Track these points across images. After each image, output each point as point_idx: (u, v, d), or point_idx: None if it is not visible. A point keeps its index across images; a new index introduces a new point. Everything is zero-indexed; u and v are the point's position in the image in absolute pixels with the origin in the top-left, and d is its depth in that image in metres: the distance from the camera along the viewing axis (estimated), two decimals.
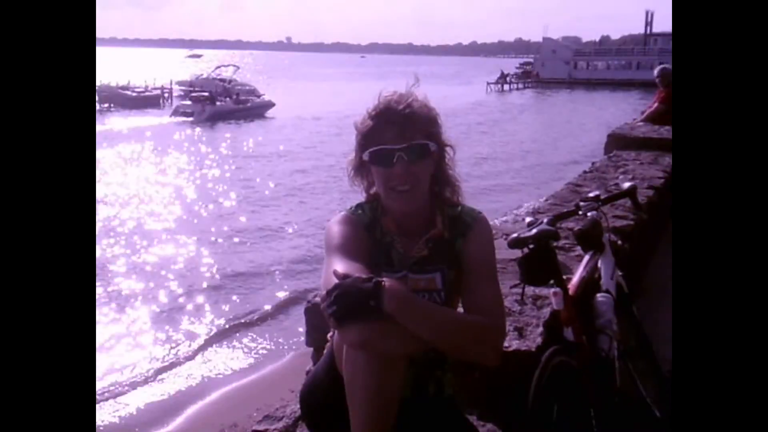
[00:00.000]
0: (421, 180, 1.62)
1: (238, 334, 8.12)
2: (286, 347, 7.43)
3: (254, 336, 8.02)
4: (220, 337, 8.14)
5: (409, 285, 1.64)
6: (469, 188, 1.80)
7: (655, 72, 8.37)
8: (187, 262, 11.04)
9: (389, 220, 1.69)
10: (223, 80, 38.31)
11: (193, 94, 32.72)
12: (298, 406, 1.87)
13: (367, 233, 1.68)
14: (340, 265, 1.49)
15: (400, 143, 1.57)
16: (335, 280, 1.42)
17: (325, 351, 1.77)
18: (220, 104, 31.81)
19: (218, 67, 41.78)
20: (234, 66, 41.78)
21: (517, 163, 19.78)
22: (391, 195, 1.63)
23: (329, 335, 1.79)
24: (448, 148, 1.70)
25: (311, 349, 2.65)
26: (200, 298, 9.46)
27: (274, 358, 7.22)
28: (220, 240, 12.46)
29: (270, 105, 34.08)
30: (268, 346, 7.64)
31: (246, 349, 7.66)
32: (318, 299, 2.50)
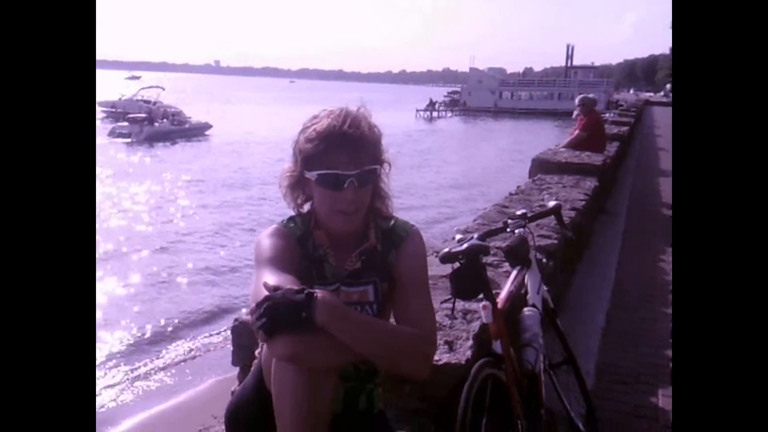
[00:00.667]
0: (366, 203, 1.63)
1: (153, 358, 7.76)
2: (207, 371, 7.13)
3: (171, 359, 7.66)
4: (129, 359, 7.72)
5: (342, 298, 1.63)
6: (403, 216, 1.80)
7: (576, 101, 8.81)
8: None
9: (322, 234, 1.67)
10: (147, 102, 37.64)
11: (130, 116, 32.33)
12: (223, 427, 1.80)
13: (298, 246, 1.66)
14: (271, 278, 1.46)
15: (352, 169, 1.55)
16: (265, 293, 1.38)
17: (252, 368, 1.73)
18: (158, 125, 31.74)
19: (142, 88, 40.71)
20: (159, 87, 40.91)
21: (446, 188, 20.11)
22: (335, 217, 1.62)
23: (257, 351, 1.75)
24: (386, 165, 1.69)
25: (235, 372, 2.58)
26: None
27: (195, 382, 6.90)
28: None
29: (207, 127, 34.05)
30: (188, 370, 7.30)
31: (164, 374, 7.29)
32: (246, 317, 2.44)
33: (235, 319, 2.41)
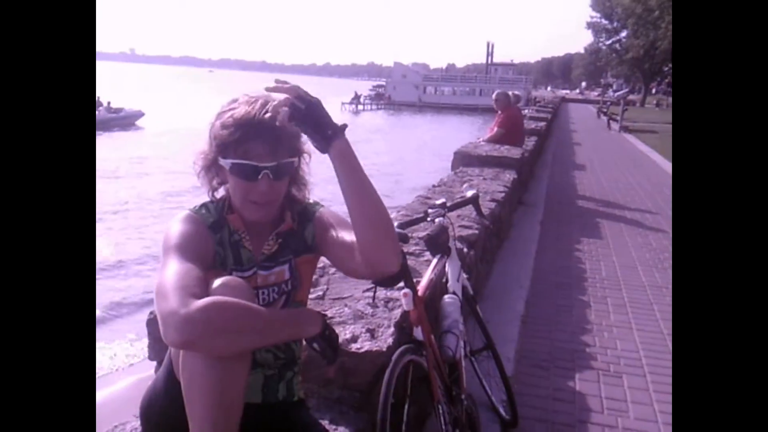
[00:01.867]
0: (281, 194, 1.60)
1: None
2: (122, 367, 6.81)
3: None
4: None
5: (259, 281, 1.62)
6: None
7: (493, 96, 9.04)
8: None
9: (236, 218, 1.63)
10: None
11: None
12: (139, 422, 1.73)
13: (211, 232, 1.60)
14: (174, 267, 1.38)
15: (268, 161, 1.52)
16: (170, 281, 1.32)
17: (164, 360, 1.66)
18: (98, 113, 30.66)
19: None
20: None
21: (375, 182, 20.18)
22: (248, 207, 1.58)
23: None
24: (305, 155, 1.66)
25: (152, 368, 2.48)
26: None
27: (110, 380, 6.58)
28: None
29: (140, 115, 33.70)
30: (101, 367, 6.94)
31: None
32: None
33: (151, 312, 2.32)
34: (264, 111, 1.49)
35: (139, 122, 33.59)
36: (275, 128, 1.48)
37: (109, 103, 32.75)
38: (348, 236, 1.56)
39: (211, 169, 1.62)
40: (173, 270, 1.37)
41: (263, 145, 1.51)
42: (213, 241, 1.58)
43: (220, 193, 1.69)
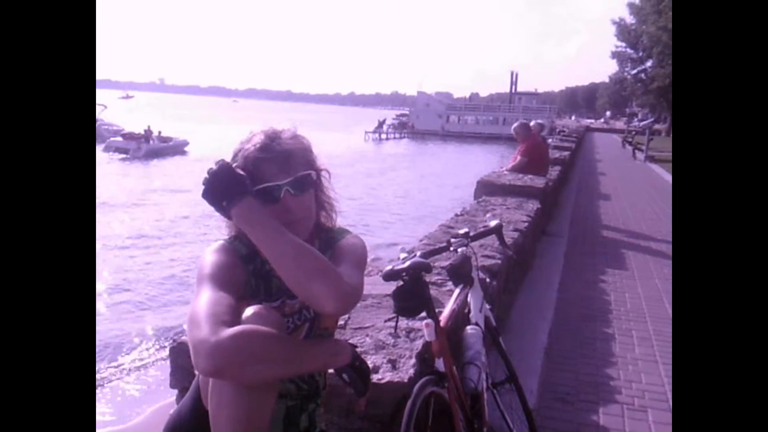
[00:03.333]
0: (309, 209, 1.65)
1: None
2: (145, 399, 6.81)
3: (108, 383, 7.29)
4: None
5: (287, 310, 1.65)
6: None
7: (512, 128, 9.07)
8: None
9: None
10: None
11: (124, 132, 34.67)
12: None
13: (244, 263, 1.63)
14: (206, 296, 1.43)
15: (284, 178, 1.58)
16: (202, 309, 1.36)
17: (190, 387, 1.68)
18: (152, 143, 34.07)
19: None
20: (101, 105, 40.39)
21: (397, 210, 20.19)
22: None
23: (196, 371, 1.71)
24: (323, 172, 1.73)
25: (173, 397, 2.50)
26: None
27: (133, 412, 6.57)
28: None
29: (186, 144, 36.42)
30: (123, 399, 6.95)
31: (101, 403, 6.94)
32: (184, 338, 2.38)
33: (173, 339, 2.35)
34: (269, 137, 1.61)
35: (185, 149, 36.14)
36: (284, 147, 1.59)
37: (160, 132, 35.07)
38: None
39: None
40: (206, 299, 1.41)
41: (276, 165, 1.58)
42: (245, 272, 1.62)
43: None
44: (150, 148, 33.37)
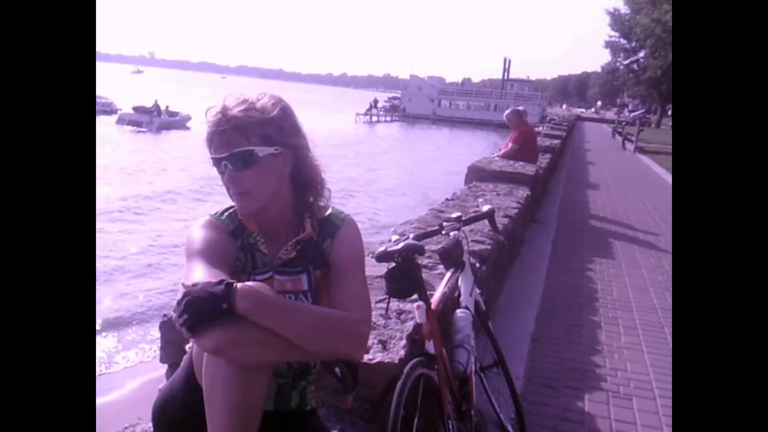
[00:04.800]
0: (254, 185, 1.56)
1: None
2: (131, 369, 6.77)
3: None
4: None
5: (276, 286, 1.61)
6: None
7: (504, 115, 9.05)
8: None
9: (249, 221, 1.65)
10: None
11: (137, 106, 35.33)
12: (150, 425, 1.74)
13: (231, 238, 1.62)
14: (199, 272, 1.42)
15: (224, 152, 1.54)
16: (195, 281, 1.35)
17: (182, 363, 1.67)
18: (163, 117, 35.57)
19: None
20: None
21: (387, 194, 20.16)
22: (233, 199, 1.61)
23: (187, 346, 1.70)
24: (303, 149, 1.65)
25: (160, 371, 2.50)
26: None
27: (117, 382, 6.54)
28: None
29: (189, 118, 37.08)
30: (109, 368, 6.91)
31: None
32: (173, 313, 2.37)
33: (164, 315, 2.34)
34: (225, 106, 1.55)
35: (188, 124, 37.16)
36: (230, 119, 1.52)
37: (167, 107, 36.38)
38: (348, 289, 1.57)
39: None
40: (200, 274, 1.39)
41: (220, 137, 1.54)
42: (234, 247, 1.61)
43: None
44: (162, 121, 34.77)
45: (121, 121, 34.51)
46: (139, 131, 32.82)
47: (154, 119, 34.47)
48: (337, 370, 1.60)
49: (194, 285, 1.33)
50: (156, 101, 36.49)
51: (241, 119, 1.52)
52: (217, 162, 1.56)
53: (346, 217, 1.73)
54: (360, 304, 1.54)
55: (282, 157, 1.59)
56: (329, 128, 36.16)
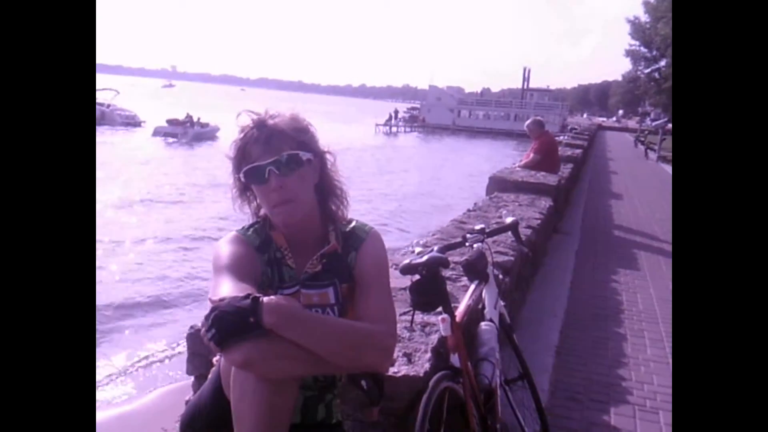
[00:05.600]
0: (298, 191, 1.60)
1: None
2: (154, 381, 6.79)
3: (119, 364, 7.27)
4: None
5: (303, 300, 1.62)
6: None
7: (525, 125, 9.01)
8: None
9: (279, 235, 1.67)
10: (101, 104, 39.18)
11: (170, 118, 37.00)
12: None
13: (258, 253, 1.64)
14: (227, 287, 1.44)
15: (269, 158, 1.56)
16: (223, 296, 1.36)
17: (210, 376, 1.68)
18: (196, 129, 36.77)
19: (97, 90, 40.60)
20: (114, 90, 41.24)
21: (408, 203, 20.15)
22: (273, 212, 1.62)
23: (215, 359, 1.71)
24: (327, 155, 1.70)
25: (187, 381, 2.51)
26: None
27: (143, 392, 6.57)
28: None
29: (218, 129, 38.38)
30: (132, 380, 6.94)
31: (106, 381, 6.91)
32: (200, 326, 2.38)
33: (191, 327, 2.35)
34: (259, 118, 1.60)
35: (217, 134, 38.38)
36: (271, 127, 1.57)
37: (198, 119, 37.50)
38: (373, 302, 1.57)
39: (244, 192, 1.69)
40: (228, 289, 1.41)
41: (261, 145, 1.57)
42: (260, 262, 1.63)
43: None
44: (195, 133, 35.92)
45: (156, 133, 35.82)
46: (174, 143, 34.05)
47: (188, 131, 35.67)
48: (363, 383, 1.60)
49: (221, 300, 1.34)
50: (188, 114, 37.66)
51: (282, 127, 1.58)
52: (258, 171, 1.57)
53: (371, 230, 1.74)
54: (385, 316, 1.54)
55: (314, 164, 1.65)
56: (349, 139, 36.44)
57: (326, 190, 1.71)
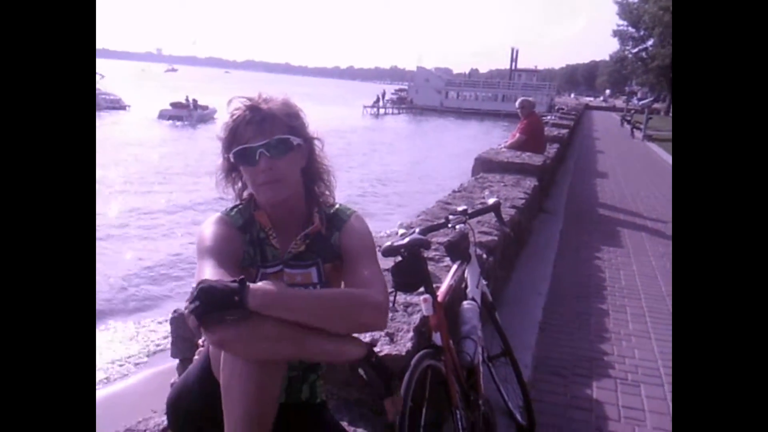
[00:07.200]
0: (286, 173, 1.64)
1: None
2: (138, 361, 6.83)
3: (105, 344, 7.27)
4: None
5: (286, 279, 1.66)
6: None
7: (516, 104, 9.04)
8: None
9: (262, 215, 1.70)
10: None
11: (174, 101, 38.61)
12: (164, 418, 1.79)
13: (241, 233, 1.68)
14: (209, 270, 1.47)
15: (261, 140, 1.60)
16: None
17: (196, 357, 1.72)
18: (199, 111, 38.48)
19: None
20: (98, 74, 41.09)
21: (395, 185, 20.19)
22: (258, 190, 1.65)
23: (200, 340, 1.75)
24: (316, 141, 1.74)
25: (173, 363, 2.54)
26: None
27: (130, 373, 6.58)
28: None
29: (215, 111, 39.56)
30: (116, 359, 6.94)
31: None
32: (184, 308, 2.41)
33: (175, 310, 2.38)
34: (252, 101, 1.63)
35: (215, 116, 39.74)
36: (264, 110, 1.61)
37: (195, 101, 38.62)
38: (360, 271, 1.60)
39: (230, 173, 1.73)
40: (210, 273, 1.45)
41: (253, 128, 1.61)
42: (243, 242, 1.66)
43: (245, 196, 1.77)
44: (199, 115, 37.78)
45: (162, 116, 37.05)
46: (181, 125, 35.41)
47: (193, 113, 37.18)
48: (361, 371, 1.60)
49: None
50: (186, 97, 38.76)
51: (275, 111, 1.63)
52: (248, 152, 1.60)
53: (353, 213, 1.78)
54: (376, 280, 1.57)
55: (303, 149, 1.69)
56: (337, 121, 36.30)
57: (313, 174, 1.76)
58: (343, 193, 1.87)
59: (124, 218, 13.90)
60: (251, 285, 1.35)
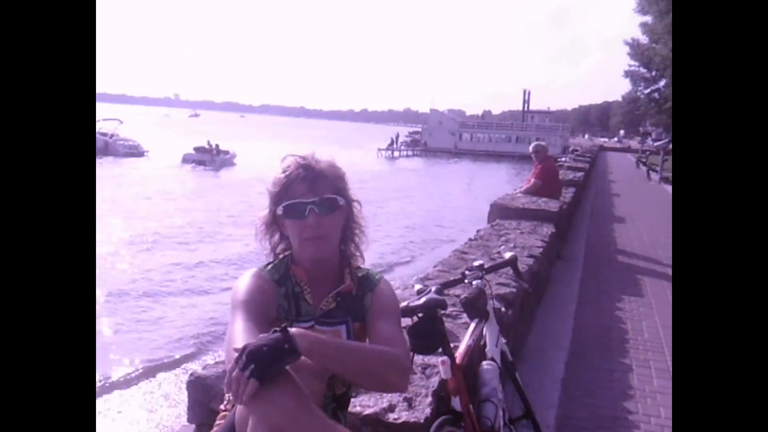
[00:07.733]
0: (330, 231, 1.72)
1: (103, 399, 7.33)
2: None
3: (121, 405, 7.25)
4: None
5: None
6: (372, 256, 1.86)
7: (530, 148, 9.04)
8: None
9: (299, 270, 1.75)
10: (104, 134, 39.88)
11: (197, 146, 39.57)
12: None
13: (277, 286, 1.72)
14: (241, 323, 1.51)
15: (312, 197, 1.68)
16: (236, 343, 1.40)
17: (221, 421, 1.67)
18: (222, 156, 39.35)
19: (101, 120, 40.94)
20: (117, 120, 41.83)
21: (410, 232, 20.09)
22: (303, 244, 1.71)
23: (222, 406, 1.71)
24: (355, 203, 1.82)
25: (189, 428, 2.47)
26: None
27: None
28: None
29: (235, 155, 41.28)
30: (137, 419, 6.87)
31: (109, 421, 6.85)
32: (202, 372, 2.35)
33: (191, 374, 2.32)
34: (305, 159, 1.72)
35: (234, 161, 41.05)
36: (316, 169, 1.70)
37: (217, 145, 39.68)
38: (388, 330, 1.66)
39: (271, 225, 1.79)
40: (239, 329, 1.50)
41: (306, 185, 1.69)
42: (278, 295, 1.71)
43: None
44: (222, 159, 38.64)
45: (185, 160, 38.06)
46: (203, 169, 36.41)
47: (215, 158, 38.11)
48: None
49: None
50: (208, 141, 39.99)
51: (326, 171, 1.73)
52: (299, 206, 1.68)
53: (382, 276, 1.85)
54: (402, 342, 1.65)
55: (344, 209, 1.77)
56: (352, 164, 36.63)
57: (348, 234, 1.82)
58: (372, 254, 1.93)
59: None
60: (292, 330, 1.38)
